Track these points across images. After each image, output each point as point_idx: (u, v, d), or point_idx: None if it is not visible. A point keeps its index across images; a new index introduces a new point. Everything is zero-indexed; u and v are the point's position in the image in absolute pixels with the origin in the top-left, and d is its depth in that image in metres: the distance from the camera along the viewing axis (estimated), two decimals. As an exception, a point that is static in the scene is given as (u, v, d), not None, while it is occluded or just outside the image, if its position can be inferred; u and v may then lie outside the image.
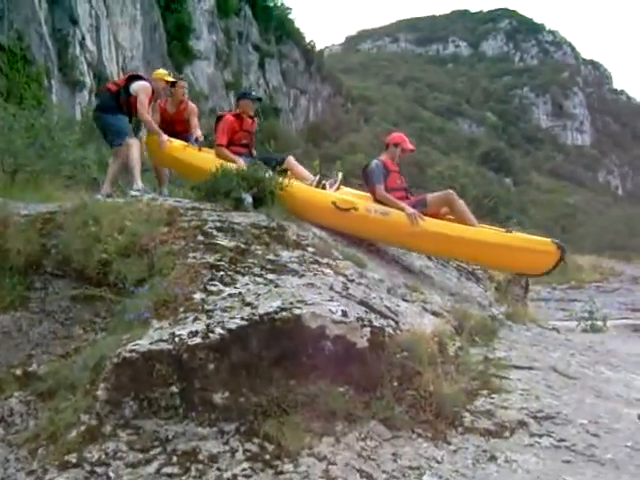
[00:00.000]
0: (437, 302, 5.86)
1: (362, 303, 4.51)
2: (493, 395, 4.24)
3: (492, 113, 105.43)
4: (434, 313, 5.46)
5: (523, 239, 6.44)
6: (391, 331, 4.25)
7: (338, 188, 7.14)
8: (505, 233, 6.44)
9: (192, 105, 8.19)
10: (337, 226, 6.58)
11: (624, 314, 13.97)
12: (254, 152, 7.74)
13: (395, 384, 3.98)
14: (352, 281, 5.05)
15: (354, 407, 3.82)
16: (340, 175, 7.34)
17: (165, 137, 7.43)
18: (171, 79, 7.86)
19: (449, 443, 3.73)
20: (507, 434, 3.82)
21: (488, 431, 3.84)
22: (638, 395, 4.60)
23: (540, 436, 3.80)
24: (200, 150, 7.49)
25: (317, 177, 7.13)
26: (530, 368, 4.80)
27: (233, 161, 6.97)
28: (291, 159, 7.46)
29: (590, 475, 3.40)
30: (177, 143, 7.55)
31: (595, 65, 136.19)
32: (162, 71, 8.09)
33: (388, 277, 5.99)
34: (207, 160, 7.02)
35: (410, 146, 7.11)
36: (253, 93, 8.49)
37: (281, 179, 6.45)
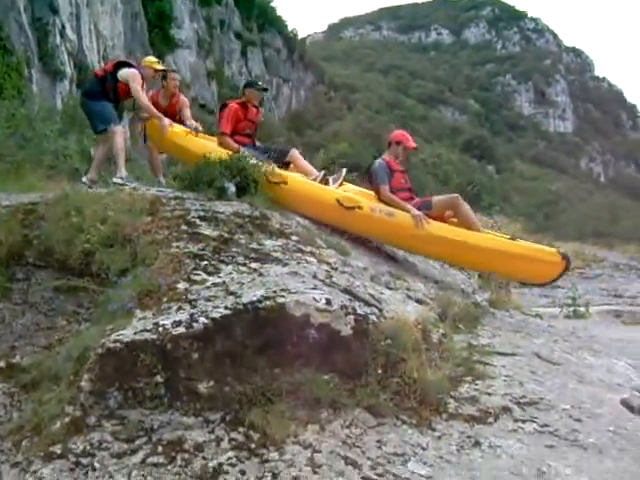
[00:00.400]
0: (421, 290, 5.89)
1: (346, 291, 4.51)
2: (477, 381, 4.27)
3: (475, 101, 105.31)
4: (418, 300, 5.49)
5: (528, 248, 6.28)
6: (375, 319, 4.26)
7: (341, 184, 7.09)
8: (510, 240, 6.36)
9: (184, 98, 8.17)
10: (340, 224, 6.52)
11: (606, 300, 14.12)
12: (257, 142, 7.71)
13: (379, 371, 3.99)
14: (336, 269, 5.06)
15: (339, 395, 3.83)
16: (344, 171, 7.27)
17: (167, 121, 7.38)
18: (160, 67, 7.80)
19: (434, 429, 3.75)
20: (491, 420, 3.85)
21: (472, 417, 3.86)
22: (620, 380, 4.66)
23: (524, 421, 3.83)
24: (197, 136, 7.47)
25: (322, 172, 7.07)
26: (513, 354, 4.84)
27: (236, 150, 6.92)
28: (295, 152, 7.40)
29: (573, 460, 3.43)
30: (178, 129, 7.51)
31: (577, 52, 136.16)
32: (152, 58, 8.03)
33: (372, 265, 6.00)
34: (209, 148, 6.94)
35: (412, 144, 7.00)
36: (260, 83, 8.40)
37: (264, 168, 6.42)
